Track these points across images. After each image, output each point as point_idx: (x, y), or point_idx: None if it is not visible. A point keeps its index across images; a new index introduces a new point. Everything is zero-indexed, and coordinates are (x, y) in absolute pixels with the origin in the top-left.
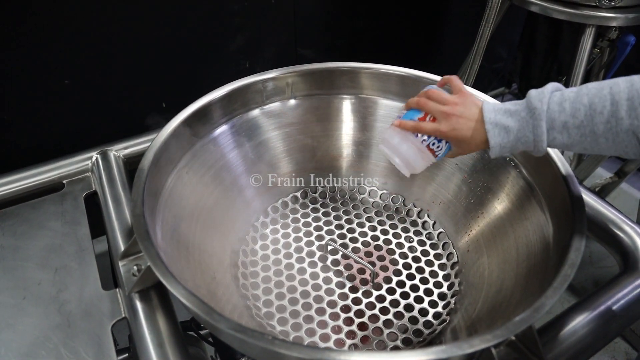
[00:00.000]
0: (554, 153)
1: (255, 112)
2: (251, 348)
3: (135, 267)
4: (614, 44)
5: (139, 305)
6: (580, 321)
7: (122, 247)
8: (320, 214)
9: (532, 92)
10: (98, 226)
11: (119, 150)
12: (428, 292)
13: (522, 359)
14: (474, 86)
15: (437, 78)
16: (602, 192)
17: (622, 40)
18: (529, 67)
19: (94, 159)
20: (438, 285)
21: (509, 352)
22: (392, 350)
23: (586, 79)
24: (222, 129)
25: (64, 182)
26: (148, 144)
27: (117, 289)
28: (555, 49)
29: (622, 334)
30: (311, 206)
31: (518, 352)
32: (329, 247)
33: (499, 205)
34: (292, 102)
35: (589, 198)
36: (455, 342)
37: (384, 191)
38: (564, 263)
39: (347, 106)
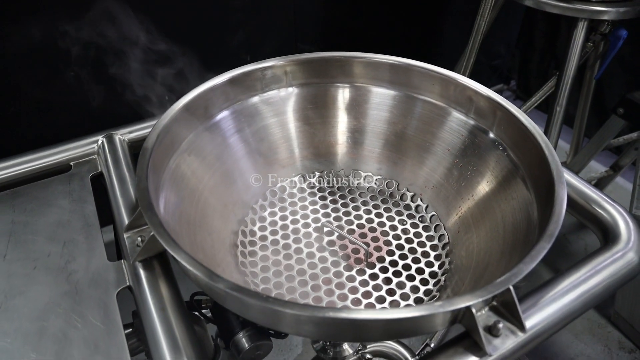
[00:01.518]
0: (540, 138)
1: (255, 99)
2: (248, 308)
3: (139, 238)
4: (607, 37)
5: (142, 273)
6: (560, 290)
7: (126, 222)
8: (317, 198)
9: None
10: (103, 215)
11: (123, 134)
12: (419, 271)
13: (502, 321)
14: None
15: (428, 66)
16: (597, 186)
17: (615, 34)
18: (527, 63)
19: (99, 142)
20: (429, 264)
21: (490, 315)
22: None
23: (580, 72)
24: (224, 114)
25: (71, 164)
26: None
27: (122, 260)
28: (553, 46)
29: (616, 323)
30: (308, 190)
31: (499, 315)
32: (325, 229)
33: (488, 187)
34: (290, 90)
35: (571, 179)
36: (437, 301)
37: (379, 176)
38: (543, 234)
39: (342, 94)
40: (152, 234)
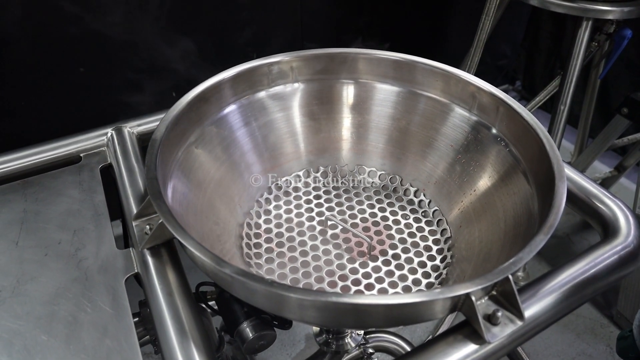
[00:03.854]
0: (542, 133)
1: (261, 94)
2: (253, 294)
3: (147, 227)
4: (612, 37)
5: (150, 260)
6: (559, 281)
7: (135, 211)
8: (321, 192)
9: None
10: (110, 210)
11: (132, 127)
12: (422, 264)
13: (501, 310)
14: None
15: (431, 63)
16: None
17: (619, 34)
18: (533, 64)
19: (109, 134)
20: (431, 258)
21: (490, 304)
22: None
23: (585, 72)
24: (231, 108)
25: (81, 155)
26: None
27: (131, 248)
28: (559, 46)
29: (618, 323)
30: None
31: (498, 304)
32: (329, 222)
33: (490, 182)
34: (296, 85)
35: (572, 174)
36: (437, 288)
37: (382, 172)
38: (542, 226)
39: (347, 90)
40: (160, 221)
